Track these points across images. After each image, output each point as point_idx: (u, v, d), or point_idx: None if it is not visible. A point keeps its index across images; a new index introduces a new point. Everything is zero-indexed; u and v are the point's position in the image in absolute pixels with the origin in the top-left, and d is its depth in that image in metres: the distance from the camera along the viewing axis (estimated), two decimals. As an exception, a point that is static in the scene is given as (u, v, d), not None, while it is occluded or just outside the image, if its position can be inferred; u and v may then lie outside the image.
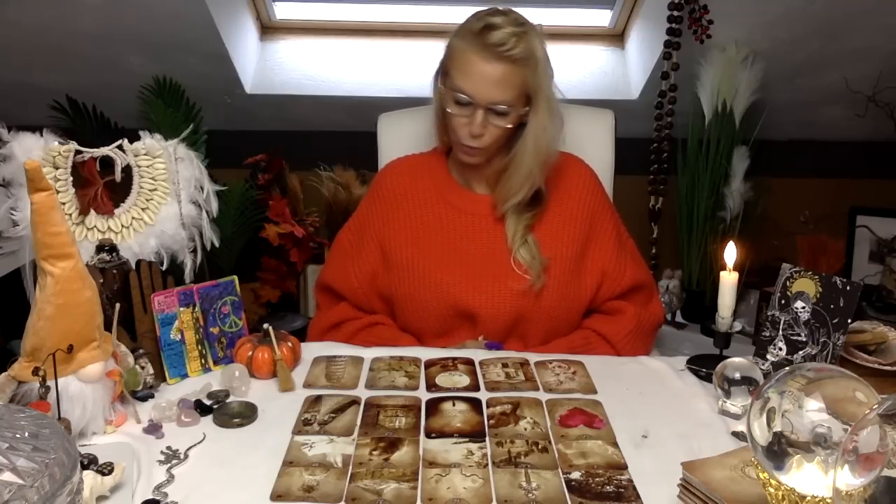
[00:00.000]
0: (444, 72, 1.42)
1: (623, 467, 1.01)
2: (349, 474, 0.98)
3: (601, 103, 1.73)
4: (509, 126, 1.39)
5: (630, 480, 0.98)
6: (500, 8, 1.38)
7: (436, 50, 1.45)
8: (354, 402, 1.18)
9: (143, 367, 1.17)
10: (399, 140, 1.67)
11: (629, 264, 1.51)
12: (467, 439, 1.07)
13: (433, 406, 1.17)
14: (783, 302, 1.24)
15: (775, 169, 2.65)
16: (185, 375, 1.26)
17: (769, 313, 1.26)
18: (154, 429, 1.09)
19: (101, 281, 1.19)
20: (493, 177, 1.48)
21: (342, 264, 1.54)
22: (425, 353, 1.37)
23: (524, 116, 1.40)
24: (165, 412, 1.12)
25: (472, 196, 1.51)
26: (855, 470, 0.66)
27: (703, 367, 1.30)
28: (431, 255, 1.47)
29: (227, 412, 1.14)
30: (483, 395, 1.21)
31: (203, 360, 1.28)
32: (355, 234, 1.55)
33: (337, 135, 2.63)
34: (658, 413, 1.16)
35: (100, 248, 1.24)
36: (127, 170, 1.37)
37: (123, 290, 1.22)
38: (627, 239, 1.56)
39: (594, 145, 1.66)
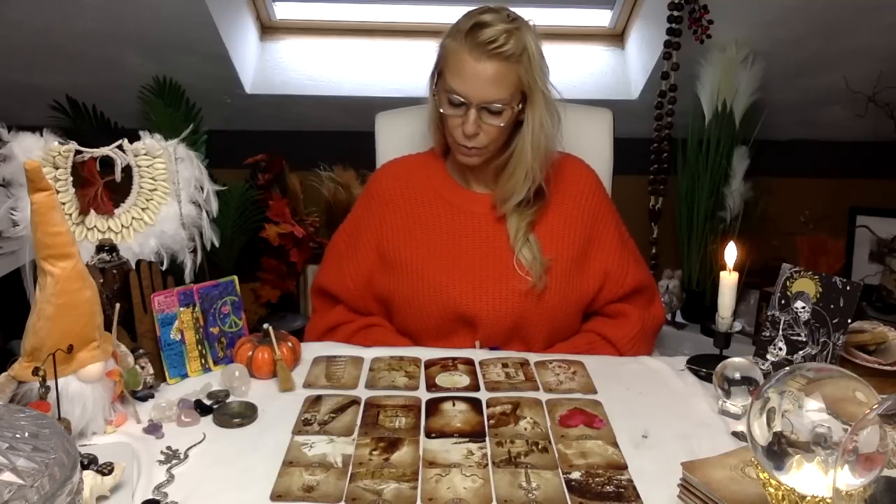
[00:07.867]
0: (438, 73, 1.41)
1: (623, 467, 1.01)
2: (349, 474, 0.99)
3: (601, 103, 1.73)
4: (503, 125, 1.37)
5: (630, 480, 0.98)
6: (492, 6, 1.37)
7: (435, 50, 1.44)
8: (354, 402, 1.18)
9: (143, 367, 1.17)
10: (396, 139, 1.66)
11: (632, 266, 1.50)
12: (467, 439, 1.07)
13: (433, 406, 1.17)
14: (783, 302, 1.24)
15: (775, 169, 2.65)
16: (185, 375, 1.26)
17: (769, 313, 1.26)
18: (154, 429, 1.09)
19: (101, 281, 1.19)
20: (493, 176, 1.47)
21: (337, 267, 1.52)
22: (425, 353, 1.37)
23: (520, 114, 1.39)
24: (165, 412, 1.12)
25: (471, 195, 1.49)
26: (855, 470, 0.66)
27: (703, 367, 1.30)
28: (430, 257, 1.45)
29: (227, 412, 1.14)
30: (483, 395, 1.21)
31: (203, 360, 1.28)
32: (350, 237, 1.54)
33: (337, 135, 2.63)
34: (658, 413, 1.16)
35: (100, 248, 1.24)
36: (127, 170, 1.38)
37: (123, 290, 1.22)
38: (629, 240, 1.55)
39: (592, 145, 1.66)
